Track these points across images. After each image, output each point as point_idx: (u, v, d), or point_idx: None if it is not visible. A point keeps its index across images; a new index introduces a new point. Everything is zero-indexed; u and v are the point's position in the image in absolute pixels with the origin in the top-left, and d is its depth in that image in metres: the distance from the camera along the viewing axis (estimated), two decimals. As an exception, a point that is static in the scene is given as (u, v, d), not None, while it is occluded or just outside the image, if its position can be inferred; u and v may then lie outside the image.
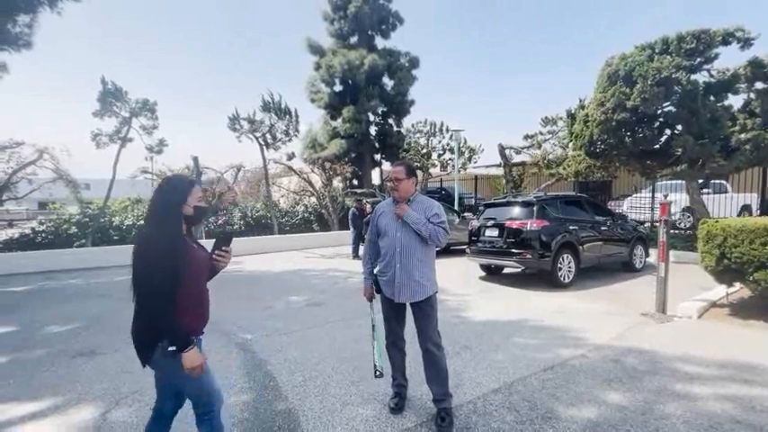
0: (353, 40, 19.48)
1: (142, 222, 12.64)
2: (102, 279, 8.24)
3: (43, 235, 11.57)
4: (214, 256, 1.80)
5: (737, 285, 5.05)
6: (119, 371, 3.51)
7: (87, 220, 12.03)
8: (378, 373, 2.53)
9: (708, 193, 10.64)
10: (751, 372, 3.16)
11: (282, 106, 12.31)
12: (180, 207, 1.72)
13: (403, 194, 2.51)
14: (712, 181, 10.87)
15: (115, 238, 12.10)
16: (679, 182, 10.38)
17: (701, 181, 9.58)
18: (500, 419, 2.53)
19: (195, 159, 12.44)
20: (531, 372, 3.23)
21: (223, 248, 1.80)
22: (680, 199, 10.64)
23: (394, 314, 2.63)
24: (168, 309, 1.59)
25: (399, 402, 2.67)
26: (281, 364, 3.55)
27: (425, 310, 2.51)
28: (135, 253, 1.63)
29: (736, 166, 8.51)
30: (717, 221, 4.84)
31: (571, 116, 10.89)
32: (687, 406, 2.65)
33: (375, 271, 2.66)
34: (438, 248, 2.72)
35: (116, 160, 11.22)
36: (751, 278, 4.39)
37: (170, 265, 1.59)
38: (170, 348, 1.60)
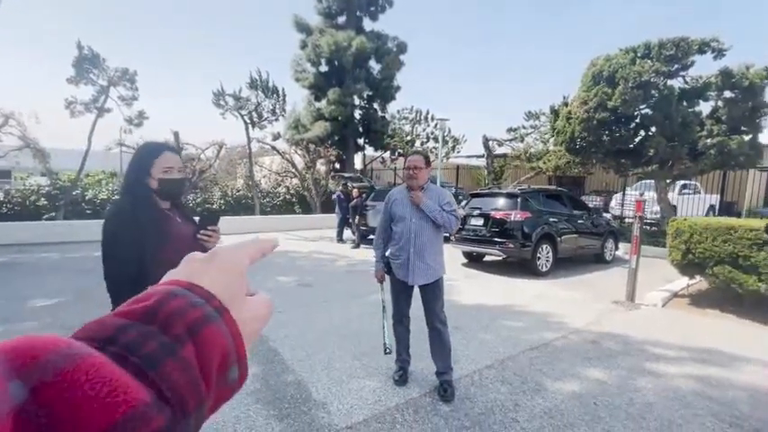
0: (341, 19, 19.09)
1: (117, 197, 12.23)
2: (80, 254, 7.99)
3: (9, 206, 10.98)
4: (199, 236, 1.65)
5: (697, 278, 5.57)
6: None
7: (57, 192, 11.48)
8: (387, 350, 2.70)
9: (687, 194, 12.00)
10: (708, 354, 3.58)
11: (270, 85, 12.03)
12: (143, 178, 1.58)
13: (421, 183, 2.67)
14: (692, 182, 12.14)
15: (88, 212, 11.64)
16: (667, 182, 11.45)
17: (680, 182, 10.43)
18: (495, 391, 2.79)
19: (176, 134, 12.03)
20: (519, 350, 3.52)
21: (209, 228, 1.67)
22: (669, 198, 11.88)
23: (403, 295, 2.81)
24: (126, 292, 1.46)
25: (403, 375, 2.88)
26: (283, 340, 3.68)
27: (435, 291, 2.71)
28: (102, 227, 1.51)
29: (701, 169, 9.16)
30: (685, 219, 5.28)
31: (554, 112, 11.28)
32: (656, 381, 3.01)
33: (387, 254, 2.82)
34: (446, 234, 2.90)
35: (91, 130, 10.69)
36: (711, 272, 4.87)
37: (131, 240, 1.45)
38: None
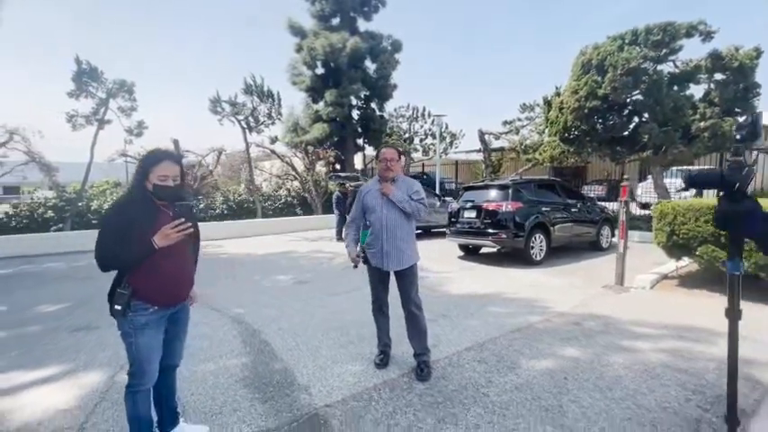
0: (335, 21, 19.27)
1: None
2: (84, 263, 8.25)
3: (17, 219, 11.34)
4: (173, 227, 1.80)
5: (686, 260, 5.61)
6: (119, 342, 3.67)
7: (64, 204, 11.82)
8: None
9: None
10: (686, 330, 3.66)
11: (265, 89, 12.24)
12: (141, 180, 1.84)
13: (395, 175, 2.82)
14: (705, 168, 12.42)
15: (94, 222, 11.95)
16: (682, 168, 11.98)
17: (693, 168, 10.75)
18: (471, 370, 2.92)
19: (176, 142, 12.30)
20: (501, 333, 3.64)
21: (177, 222, 1.80)
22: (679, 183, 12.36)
23: (380, 282, 2.95)
24: (108, 268, 1.79)
25: (384, 359, 3.02)
26: (275, 333, 3.84)
27: (409, 276, 2.85)
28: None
29: (695, 153, 9.16)
30: (669, 202, 5.34)
31: (547, 103, 11.32)
32: (628, 356, 3.11)
33: (363, 244, 2.97)
34: (419, 223, 3.04)
35: (93, 142, 11.00)
36: (696, 252, 4.93)
37: (116, 227, 1.75)
38: (115, 307, 1.82)
